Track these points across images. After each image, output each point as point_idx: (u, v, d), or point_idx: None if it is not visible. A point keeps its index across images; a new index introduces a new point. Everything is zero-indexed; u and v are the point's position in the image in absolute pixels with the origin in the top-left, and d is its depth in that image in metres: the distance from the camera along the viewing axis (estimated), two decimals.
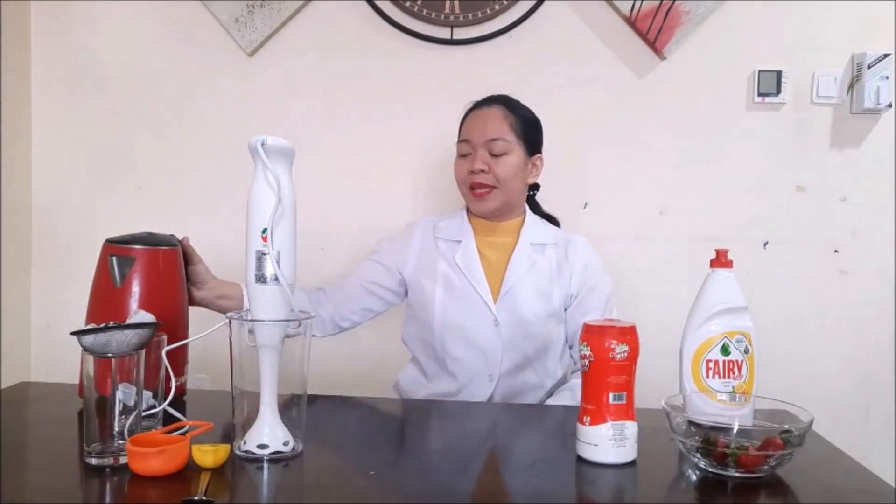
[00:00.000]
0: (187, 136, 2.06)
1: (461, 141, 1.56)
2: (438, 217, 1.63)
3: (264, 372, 1.02)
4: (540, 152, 1.59)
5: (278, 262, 1.00)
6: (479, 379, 1.48)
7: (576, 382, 1.48)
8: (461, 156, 1.56)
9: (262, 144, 1.02)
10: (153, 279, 1.22)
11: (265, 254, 1.00)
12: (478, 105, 1.58)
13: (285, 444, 1.01)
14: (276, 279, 1.00)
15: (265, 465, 0.98)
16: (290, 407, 1.04)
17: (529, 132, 1.55)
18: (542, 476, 0.99)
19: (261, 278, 1.01)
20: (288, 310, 1.02)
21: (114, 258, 1.21)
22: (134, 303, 1.19)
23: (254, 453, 0.99)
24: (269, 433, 1.01)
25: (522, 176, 1.55)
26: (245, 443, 1.00)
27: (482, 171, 1.50)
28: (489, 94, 1.59)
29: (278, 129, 2.04)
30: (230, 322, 1.02)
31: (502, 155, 1.51)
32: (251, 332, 1.02)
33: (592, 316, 1.49)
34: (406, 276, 1.56)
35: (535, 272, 1.52)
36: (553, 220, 1.68)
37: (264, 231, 1.00)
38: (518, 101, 1.58)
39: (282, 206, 1.02)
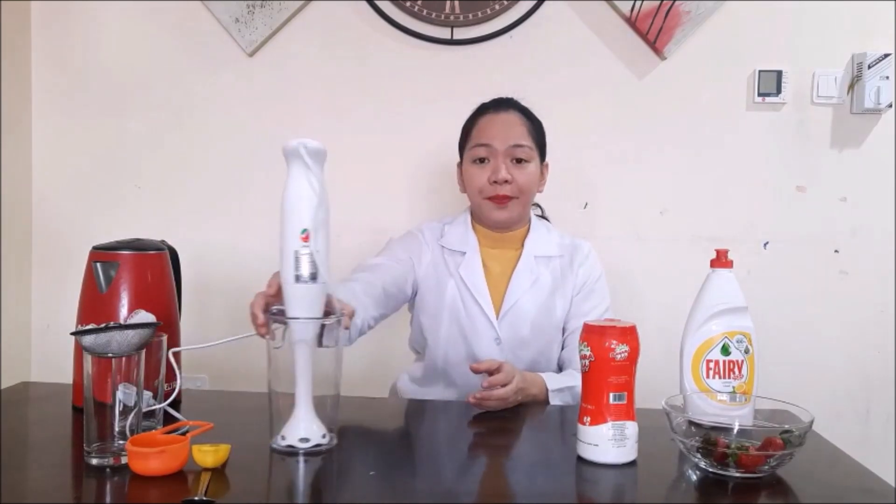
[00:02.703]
0: (187, 136, 2.06)
1: (478, 145, 1.48)
2: (441, 222, 1.59)
3: (299, 368, 1.05)
4: (546, 159, 1.57)
5: (316, 262, 1.02)
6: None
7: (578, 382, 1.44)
8: (476, 161, 1.48)
9: (305, 147, 1.02)
10: (139, 284, 1.21)
11: (305, 253, 1.02)
12: (491, 108, 1.52)
13: (323, 436, 1.04)
14: (314, 278, 1.02)
15: (300, 458, 1.01)
16: (321, 405, 1.07)
17: (542, 138, 1.53)
18: (542, 476, 0.99)
19: (299, 278, 1.02)
20: (322, 307, 1.05)
21: (98, 264, 1.21)
22: (121, 308, 1.19)
23: (295, 447, 1.01)
24: (305, 427, 1.03)
25: (537, 186, 1.52)
26: (284, 438, 1.02)
27: (507, 181, 1.44)
28: (496, 97, 1.55)
29: (278, 128, 2.04)
30: (268, 321, 1.05)
31: (524, 162, 1.46)
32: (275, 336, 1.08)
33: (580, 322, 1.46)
34: (418, 280, 1.52)
35: (538, 287, 1.48)
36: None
37: (304, 231, 1.02)
38: (523, 104, 1.54)
39: (322, 207, 1.04)
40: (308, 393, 1.05)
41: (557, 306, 1.49)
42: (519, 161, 1.47)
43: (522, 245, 1.52)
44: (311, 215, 1.02)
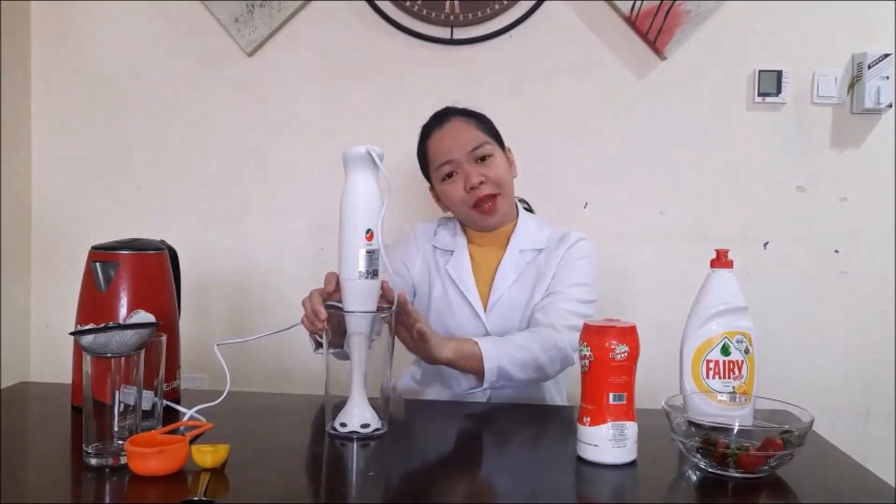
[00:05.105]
0: (187, 136, 2.06)
1: (441, 164, 1.48)
2: (436, 223, 1.60)
3: (355, 359, 1.12)
4: (505, 146, 1.56)
5: (378, 259, 1.10)
6: (472, 390, 1.46)
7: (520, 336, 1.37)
8: (445, 178, 1.48)
9: (374, 152, 1.11)
10: (139, 284, 1.21)
11: (370, 251, 1.09)
12: (433, 126, 1.53)
13: (379, 422, 1.12)
14: (375, 274, 1.10)
15: (354, 443, 1.08)
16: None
17: (492, 128, 1.54)
18: (542, 476, 0.99)
19: (362, 274, 1.09)
20: (376, 301, 1.12)
21: (97, 264, 1.21)
22: (121, 308, 1.19)
23: (358, 432, 1.09)
24: (359, 414, 1.10)
25: (510, 174, 1.52)
26: (345, 425, 1.09)
27: (482, 182, 1.45)
28: (435, 112, 1.55)
29: (278, 129, 2.04)
30: (329, 314, 1.12)
31: (489, 158, 1.47)
32: (318, 345, 1.20)
33: (551, 297, 1.43)
34: (415, 284, 1.54)
35: (523, 279, 1.48)
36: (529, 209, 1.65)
37: (368, 231, 1.09)
38: (461, 107, 1.54)
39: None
40: (362, 382, 1.12)
41: (541, 294, 1.46)
42: (483, 159, 1.47)
43: (508, 240, 1.52)
44: (376, 216, 1.10)
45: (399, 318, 1.19)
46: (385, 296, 1.16)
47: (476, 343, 1.31)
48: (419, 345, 1.24)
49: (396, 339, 1.20)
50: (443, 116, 1.53)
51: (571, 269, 1.47)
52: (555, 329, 1.38)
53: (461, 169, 1.47)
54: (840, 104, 1.95)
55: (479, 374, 1.31)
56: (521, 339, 1.35)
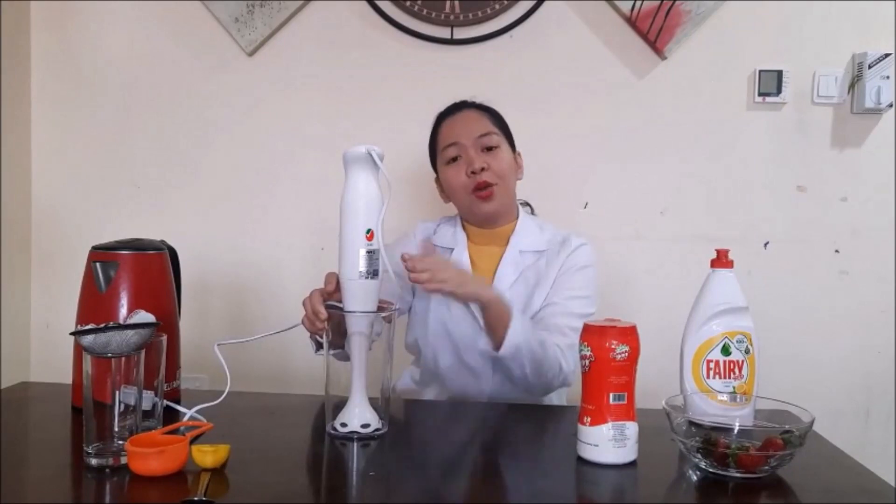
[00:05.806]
0: (187, 136, 2.06)
1: (447, 147, 1.49)
2: (436, 223, 1.60)
3: (355, 359, 1.12)
4: (516, 149, 1.57)
5: (378, 259, 1.10)
6: (470, 392, 1.46)
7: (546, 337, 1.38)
8: (450, 162, 1.49)
9: (374, 152, 1.11)
10: (139, 284, 1.21)
11: (370, 251, 1.09)
12: (447, 113, 1.55)
13: (380, 422, 1.11)
14: (375, 274, 1.10)
15: (354, 443, 1.08)
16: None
17: (506, 127, 1.55)
18: (542, 476, 0.99)
19: (362, 274, 1.09)
20: (376, 300, 1.12)
21: (97, 264, 1.21)
22: (121, 308, 1.19)
23: (359, 432, 1.08)
24: (359, 414, 1.10)
25: (515, 173, 1.52)
26: (345, 424, 1.09)
27: (483, 168, 1.45)
28: (452, 102, 1.57)
29: (278, 129, 2.04)
30: (328, 314, 1.13)
31: (495, 149, 1.48)
32: (319, 346, 1.20)
33: (549, 309, 1.43)
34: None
35: (522, 282, 1.47)
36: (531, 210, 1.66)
37: (368, 231, 1.09)
38: (477, 101, 1.56)
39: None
40: (363, 382, 1.12)
41: (540, 300, 1.46)
42: (489, 149, 1.48)
43: (508, 242, 1.52)
44: (376, 216, 1.10)
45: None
46: (426, 248, 1.18)
47: (510, 312, 1.31)
48: (460, 278, 1.26)
49: (396, 339, 1.20)
50: (458, 106, 1.55)
51: (571, 281, 1.46)
52: (559, 348, 1.38)
53: (466, 153, 1.47)
54: (840, 104, 1.95)
55: (496, 339, 1.31)
56: (541, 338, 1.35)
